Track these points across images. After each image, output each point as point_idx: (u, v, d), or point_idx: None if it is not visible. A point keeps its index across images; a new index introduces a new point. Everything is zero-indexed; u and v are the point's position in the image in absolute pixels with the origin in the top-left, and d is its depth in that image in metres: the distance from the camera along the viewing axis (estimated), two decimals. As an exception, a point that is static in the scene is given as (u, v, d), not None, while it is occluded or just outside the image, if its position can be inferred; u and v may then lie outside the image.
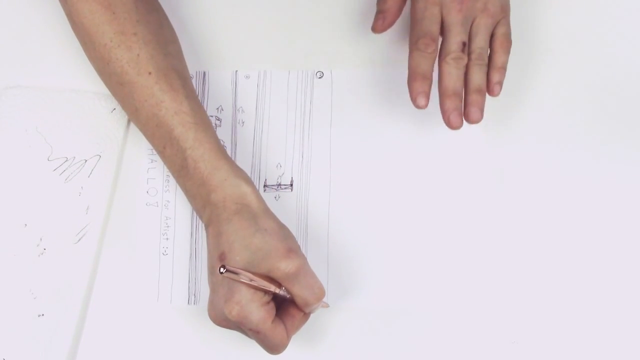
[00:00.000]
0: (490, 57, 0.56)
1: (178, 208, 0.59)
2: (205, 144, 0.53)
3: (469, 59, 0.55)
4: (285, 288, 0.49)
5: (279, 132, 0.61)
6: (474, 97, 0.54)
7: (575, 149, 0.60)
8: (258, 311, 0.48)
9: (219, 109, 0.62)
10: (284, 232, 0.50)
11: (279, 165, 0.60)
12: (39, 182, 0.59)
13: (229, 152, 0.55)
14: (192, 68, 0.61)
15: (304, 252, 0.51)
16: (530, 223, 0.58)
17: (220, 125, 0.62)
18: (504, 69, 0.56)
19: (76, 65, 0.63)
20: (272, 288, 0.48)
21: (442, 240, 0.58)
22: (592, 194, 0.58)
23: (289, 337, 0.50)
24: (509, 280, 0.56)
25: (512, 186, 0.59)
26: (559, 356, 0.55)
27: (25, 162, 0.60)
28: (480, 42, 0.55)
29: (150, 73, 0.54)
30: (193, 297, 0.57)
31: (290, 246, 0.49)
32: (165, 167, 0.60)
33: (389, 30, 0.59)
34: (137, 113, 0.55)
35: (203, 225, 0.53)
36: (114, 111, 0.62)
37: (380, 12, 0.58)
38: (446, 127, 0.54)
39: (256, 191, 0.52)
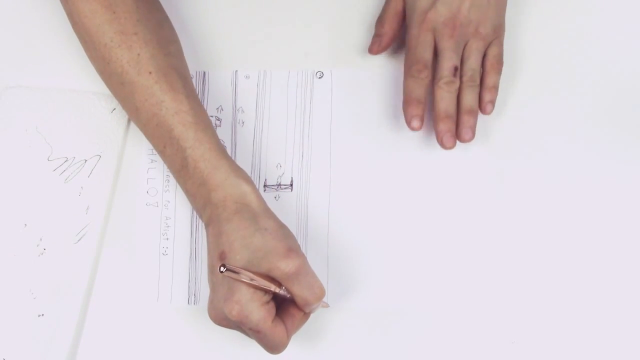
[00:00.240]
0: (482, 78, 0.59)
1: (178, 208, 0.59)
2: (205, 143, 0.53)
3: (461, 81, 0.58)
4: (285, 287, 0.49)
5: (279, 132, 0.61)
6: (465, 118, 0.57)
7: (575, 149, 0.60)
8: (258, 311, 0.48)
9: (219, 109, 0.62)
10: (284, 231, 0.50)
11: (279, 165, 0.61)
12: (39, 182, 0.59)
13: (229, 152, 0.55)
14: (192, 68, 0.61)
15: (304, 252, 0.51)
16: (529, 223, 0.58)
17: (220, 125, 0.62)
18: (495, 88, 0.59)
19: (76, 65, 0.63)
20: (272, 287, 0.48)
21: (442, 240, 0.58)
22: (592, 194, 0.58)
23: (289, 337, 0.50)
24: (508, 281, 0.56)
25: (512, 186, 0.59)
26: (558, 356, 0.55)
27: (25, 162, 0.60)
28: (472, 64, 0.58)
29: (150, 73, 0.54)
30: (193, 297, 0.57)
31: (291, 245, 0.49)
32: (165, 167, 0.60)
33: (389, 31, 0.60)
34: (137, 113, 0.55)
35: (203, 225, 0.53)
36: (114, 111, 0.62)
37: (376, 36, 0.61)
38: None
39: (256, 191, 0.52)
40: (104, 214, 0.59)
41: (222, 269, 0.47)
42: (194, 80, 0.62)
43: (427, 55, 0.57)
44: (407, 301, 0.56)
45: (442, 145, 0.57)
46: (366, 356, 0.55)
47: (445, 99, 0.57)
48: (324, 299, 0.51)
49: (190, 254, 0.58)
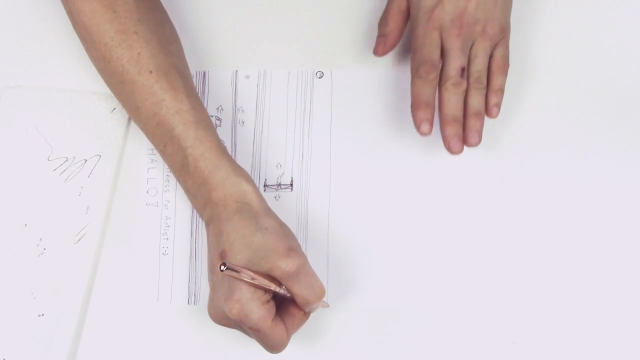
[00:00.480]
0: (488, 80, 0.57)
1: (178, 208, 0.59)
2: (205, 142, 0.53)
3: (468, 82, 0.56)
4: (285, 287, 0.49)
5: (279, 132, 0.61)
6: (472, 122, 0.56)
7: (575, 150, 0.60)
8: (258, 310, 0.48)
9: (219, 108, 0.62)
10: (284, 230, 0.50)
11: (279, 165, 0.61)
12: (39, 182, 0.59)
13: (229, 152, 0.55)
14: (192, 68, 0.61)
15: (304, 251, 0.51)
16: (529, 224, 0.58)
17: (220, 125, 0.62)
18: (501, 90, 0.57)
19: (76, 65, 0.63)
20: (273, 287, 0.48)
21: (442, 240, 0.58)
22: (591, 195, 0.58)
23: (289, 336, 0.50)
24: (508, 281, 0.56)
25: (512, 187, 0.59)
26: (558, 356, 0.55)
27: (25, 162, 0.60)
28: (478, 65, 0.56)
29: (151, 72, 0.54)
30: (193, 297, 0.57)
31: (291, 245, 0.49)
32: (165, 167, 0.60)
33: (389, 31, 0.60)
34: (137, 112, 0.55)
35: (203, 224, 0.53)
36: (114, 111, 0.62)
37: (381, 36, 0.59)
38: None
39: (257, 190, 0.52)
40: (104, 214, 0.59)
41: (222, 267, 0.47)
42: (194, 80, 0.62)
43: (435, 55, 0.56)
44: (407, 301, 0.56)
45: (450, 150, 0.55)
46: (366, 356, 0.55)
47: (452, 102, 0.55)
48: (324, 299, 0.51)
49: (190, 254, 0.58)
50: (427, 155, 0.60)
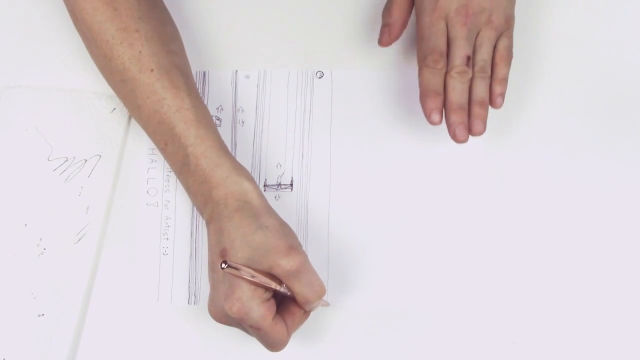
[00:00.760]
0: (492, 70, 0.56)
1: (178, 208, 0.59)
2: (207, 141, 0.53)
3: (472, 71, 0.55)
4: (285, 285, 0.49)
5: (279, 132, 0.61)
6: (476, 110, 0.55)
7: (575, 149, 0.60)
8: (258, 308, 0.48)
9: (219, 108, 0.62)
10: (285, 229, 0.51)
11: (279, 165, 0.61)
12: (39, 182, 0.59)
13: (229, 151, 0.55)
14: (193, 68, 0.61)
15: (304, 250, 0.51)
16: (530, 223, 0.58)
17: (220, 125, 0.62)
18: (505, 80, 0.57)
19: (76, 65, 0.63)
20: (273, 285, 0.48)
21: (442, 240, 0.58)
22: (591, 194, 0.58)
23: (289, 335, 0.50)
24: (508, 281, 0.56)
25: (512, 186, 0.59)
26: (559, 356, 0.55)
27: (25, 162, 0.60)
28: (483, 54, 0.56)
29: (152, 70, 0.54)
30: (193, 297, 0.57)
31: (291, 243, 0.49)
32: (165, 167, 0.60)
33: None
34: (138, 110, 0.55)
35: (204, 223, 0.53)
36: (114, 111, 0.62)
37: (385, 26, 0.59)
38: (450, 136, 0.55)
39: (258, 188, 0.52)
40: (104, 214, 0.59)
41: (223, 265, 0.47)
42: (194, 80, 0.62)
43: (442, 44, 0.55)
44: (407, 301, 0.56)
45: (455, 138, 0.55)
46: (366, 356, 0.55)
47: (457, 90, 0.55)
48: (325, 298, 0.51)
49: (191, 254, 0.58)
50: (427, 155, 0.60)
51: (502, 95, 0.56)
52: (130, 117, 0.62)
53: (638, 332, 0.55)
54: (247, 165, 0.60)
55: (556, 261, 0.57)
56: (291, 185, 0.60)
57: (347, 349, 0.55)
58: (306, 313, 0.51)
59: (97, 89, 0.62)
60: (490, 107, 0.56)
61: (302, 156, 0.61)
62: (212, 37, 0.64)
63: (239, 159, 0.56)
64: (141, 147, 0.61)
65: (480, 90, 0.56)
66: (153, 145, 0.59)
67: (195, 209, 0.59)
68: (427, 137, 0.60)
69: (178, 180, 0.56)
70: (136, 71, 0.54)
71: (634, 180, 0.59)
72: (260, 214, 0.50)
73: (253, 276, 0.48)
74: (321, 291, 0.49)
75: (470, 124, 0.55)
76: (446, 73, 0.55)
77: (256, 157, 0.61)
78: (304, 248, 0.57)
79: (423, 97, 0.55)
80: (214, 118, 0.61)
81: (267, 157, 0.61)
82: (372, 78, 0.63)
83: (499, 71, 0.56)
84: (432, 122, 0.55)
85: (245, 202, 0.51)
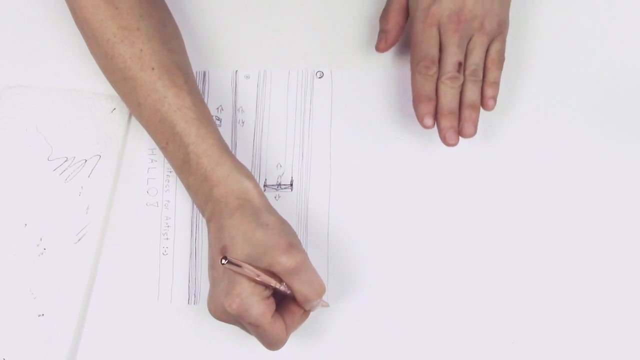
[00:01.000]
0: (483, 73, 0.58)
1: (178, 208, 0.59)
2: (207, 139, 0.53)
3: (464, 75, 0.57)
4: (285, 283, 0.49)
5: (279, 132, 0.61)
6: (467, 113, 0.57)
7: (575, 149, 0.60)
8: (258, 305, 0.48)
9: (219, 108, 0.62)
10: (285, 227, 0.51)
11: (279, 165, 0.61)
12: (39, 182, 0.59)
13: (230, 149, 0.55)
14: (193, 68, 0.61)
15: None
16: (529, 223, 0.58)
17: (220, 125, 0.62)
18: (496, 84, 0.58)
19: (76, 65, 0.63)
20: (273, 283, 0.48)
21: (442, 240, 0.58)
22: (591, 194, 0.58)
23: (288, 334, 0.50)
24: (508, 281, 0.56)
25: (512, 186, 0.59)
26: (559, 356, 0.55)
27: (25, 162, 0.60)
28: (475, 59, 0.57)
29: (153, 68, 0.54)
30: (193, 297, 0.57)
31: (292, 241, 0.49)
32: (165, 167, 0.60)
33: (389, 31, 0.60)
34: (139, 109, 0.55)
35: (203, 223, 0.53)
36: (114, 111, 0.62)
37: (382, 32, 0.61)
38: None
39: (258, 187, 0.52)
40: (104, 214, 0.59)
41: (223, 261, 0.47)
42: (194, 80, 0.62)
43: (434, 51, 0.57)
44: (407, 301, 0.56)
45: (445, 142, 0.56)
46: (366, 356, 0.55)
47: (448, 95, 0.56)
48: (324, 298, 0.51)
49: (191, 253, 0.58)
50: (427, 155, 0.60)
51: (494, 97, 0.58)
52: (130, 117, 0.62)
53: (638, 332, 0.55)
54: (247, 166, 0.59)
55: (556, 261, 0.57)
56: (291, 185, 0.60)
57: (346, 350, 0.55)
58: (305, 313, 0.51)
59: (97, 89, 0.62)
60: (483, 109, 0.58)
61: (302, 156, 0.61)
62: (212, 37, 0.64)
63: (239, 159, 0.56)
64: (141, 147, 0.61)
65: (471, 93, 0.57)
66: (153, 146, 0.59)
67: (195, 209, 0.59)
68: (427, 137, 0.60)
69: (178, 180, 0.56)
70: (137, 69, 0.54)
71: (634, 181, 0.59)
72: (261, 212, 0.50)
73: (251, 272, 0.47)
74: (321, 289, 0.49)
75: (461, 126, 0.57)
76: (438, 78, 0.57)
77: (256, 157, 0.61)
78: (303, 248, 0.57)
79: (416, 102, 0.57)
80: (214, 118, 0.61)
81: (267, 157, 0.61)
82: (372, 78, 0.63)
83: (490, 75, 0.58)
84: (424, 126, 0.57)
85: (246, 200, 0.51)
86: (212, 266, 0.51)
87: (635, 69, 0.62)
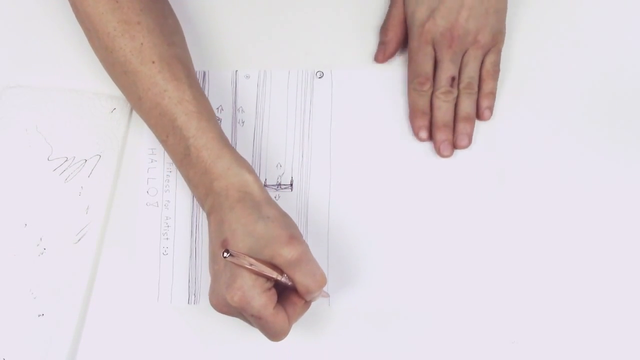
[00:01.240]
0: (479, 85, 0.60)
1: (178, 208, 0.59)
2: (208, 132, 0.53)
3: (459, 88, 0.59)
4: (287, 275, 0.49)
5: (279, 132, 0.61)
6: (461, 126, 0.59)
7: (575, 149, 0.60)
8: (260, 297, 0.48)
9: (219, 108, 0.62)
10: (286, 219, 0.51)
11: (279, 165, 0.61)
12: (39, 182, 0.59)
13: (230, 143, 0.55)
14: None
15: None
16: (529, 224, 0.58)
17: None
18: (492, 94, 0.60)
19: (76, 64, 0.63)
20: (275, 275, 0.48)
21: (442, 240, 0.58)
22: (592, 194, 0.58)
23: (290, 324, 0.50)
24: (508, 281, 0.56)
25: (512, 187, 0.59)
26: (559, 356, 0.55)
27: (25, 162, 0.60)
28: (469, 72, 0.60)
29: (153, 62, 0.54)
30: (193, 297, 0.57)
31: (293, 233, 0.49)
32: (165, 166, 0.60)
33: (389, 31, 0.60)
34: (140, 102, 0.55)
35: (204, 223, 0.53)
36: (114, 111, 0.62)
37: (381, 44, 0.63)
38: None
39: (258, 180, 0.52)
40: (104, 214, 0.59)
41: (225, 254, 0.47)
42: (194, 80, 0.62)
43: (428, 67, 0.59)
44: (407, 301, 0.56)
45: (439, 153, 0.59)
46: (366, 356, 0.55)
47: (442, 109, 0.59)
48: (324, 288, 0.51)
49: (190, 253, 0.58)
50: (427, 155, 0.60)
51: (490, 108, 0.60)
52: (130, 118, 0.62)
53: (638, 332, 0.55)
54: (247, 165, 0.60)
55: (556, 261, 0.57)
56: (291, 185, 0.60)
57: (346, 350, 0.55)
58: (307, 303, 0.51)
59: (97, 89, 0.62)
60: (480, 120, 0.60)
61: (302, 156, 0.61)
62: (212, 37, 0.64)
63: (239, 157, 0.56)
64: (141, 147, 0.61)
65: (465, 106, 0.60)
66: (153, 146, 0.59)
67: (195, 209, 0.59)
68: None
69: (178, 180, 0.56)
70: (137, 63, 0.54)
71: (634, 181, 0.59)
72: (262, 204, 0.50)
73: (253, 265, 0.47)
74: (322, 280, 0.49)
75: (455, 139, 0.59)
76: (432, 93, 0.59)
77: (256, 157, 0.61)
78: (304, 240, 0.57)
79: (411, 117, 0.60)
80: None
81: (267, 157, 0.61)
82: (372, 78, 0.63)
83: (486, 86, 0.60)
84: (420, 139, 0.60)
85: (247, 193, 0.51)
86: (213, 260, 0.51)
87: (635, 70, 0.62)
